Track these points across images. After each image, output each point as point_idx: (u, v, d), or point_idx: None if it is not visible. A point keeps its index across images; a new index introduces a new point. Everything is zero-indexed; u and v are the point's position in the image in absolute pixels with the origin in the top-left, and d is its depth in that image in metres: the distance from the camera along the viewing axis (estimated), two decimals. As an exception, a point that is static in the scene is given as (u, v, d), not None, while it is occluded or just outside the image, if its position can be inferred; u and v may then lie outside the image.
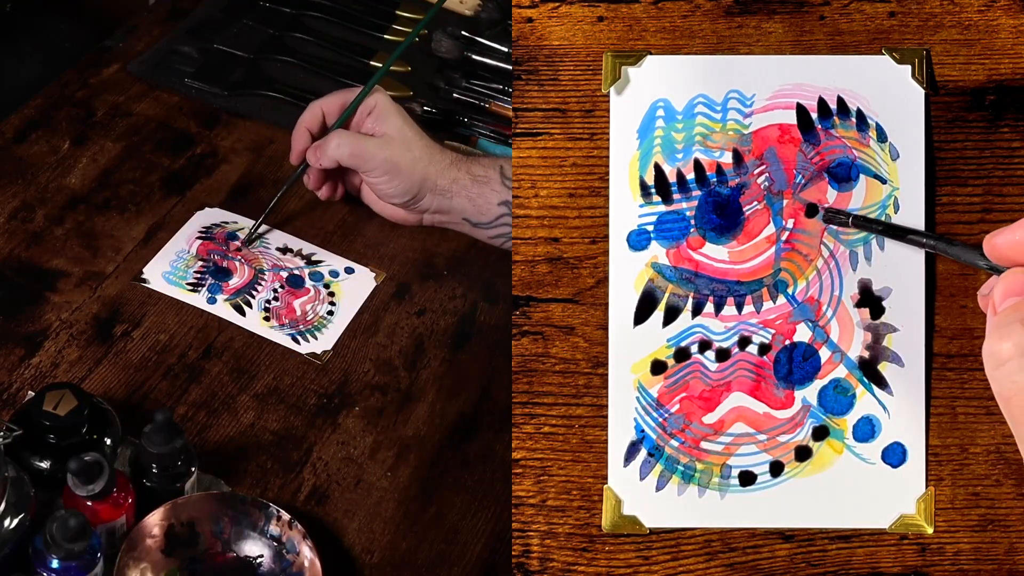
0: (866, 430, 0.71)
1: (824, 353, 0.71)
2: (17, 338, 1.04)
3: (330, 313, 1.12)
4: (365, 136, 1.14)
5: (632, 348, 0.70)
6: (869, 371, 0.71)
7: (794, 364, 0.71)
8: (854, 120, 0.70)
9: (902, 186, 0.70)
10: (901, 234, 0.68)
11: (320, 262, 1.16)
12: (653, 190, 0.70)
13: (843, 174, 0.70)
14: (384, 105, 1.15)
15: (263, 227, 1.17)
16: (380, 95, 1.16)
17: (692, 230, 0.70)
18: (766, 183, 0.70)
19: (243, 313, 1.10)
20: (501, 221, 1.15)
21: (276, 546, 0.91)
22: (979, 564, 0.72)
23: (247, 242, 1.16)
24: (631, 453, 0.71)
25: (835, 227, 0.70)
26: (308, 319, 1.11)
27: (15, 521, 0.84)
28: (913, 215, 0.70)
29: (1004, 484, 0.72)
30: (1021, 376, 0.53)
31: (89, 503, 0.86)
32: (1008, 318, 0.54)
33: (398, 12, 1.46)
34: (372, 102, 1.16)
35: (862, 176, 0.70)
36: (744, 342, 0.71)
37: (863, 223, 0.69)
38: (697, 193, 0.70)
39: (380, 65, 1.38)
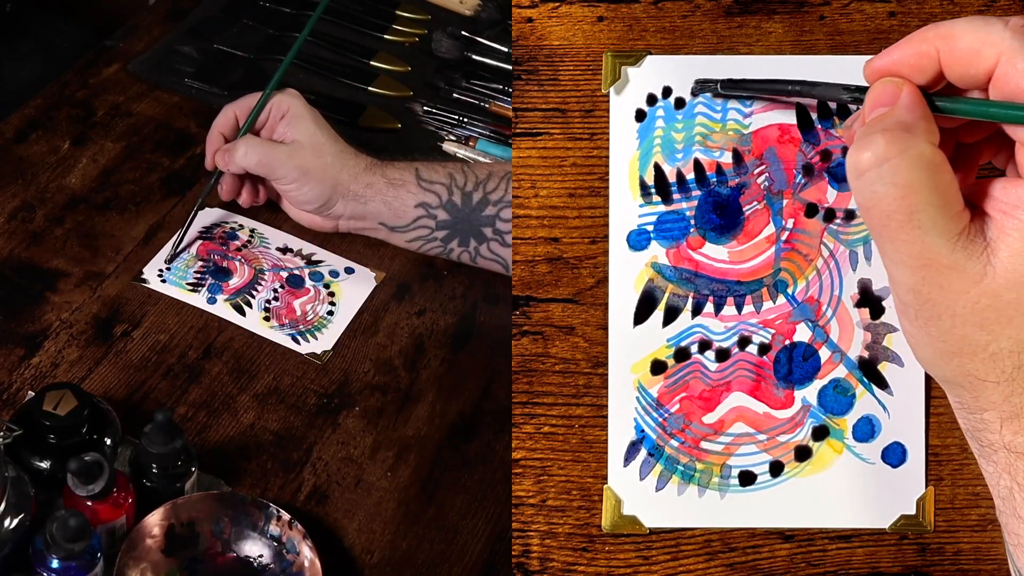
0: (866, 430, 0.71)
1: (824, 353, 0.71)
2: (17, 338, 1.04)
3: (330, 313, 1.12)
4: (274, 143, 1.12)
5: (632, 348, 0.70)
6: (869, 371, 0.71)
7: (794, 364, 0.71)
8: (854, 120, 0.70)
9: (902, 186, 0.70)
10: (772, 88, 0.68)
11: (320, 262, 1.16)
12: (653, 190, 0.70)
13: (843, 174, 0.70)
14: (297, 109, 1.12)
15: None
16: (294, 99, 1.13)
17: (692, 230, 0.70)
18: (766, 183, 0.70)
19: (243, 313, 1.10)
20: (418, 223, 1.12)
21: (276, 546, 0.91)
22: (979, 564, 0.72)
23: (169, 260, 1.13)
24: (631, 453, 0.71)
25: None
26: (308, 319, 1.11)
27: (15, 521, 0.84)
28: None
29: (1004, 484, 0.72)
30: (880, 186, 0.53)
31: (89, 503, 0.86)
32: (871, 128, 0.54)
33: (398, 12, 1.46)
34: (285, 105, 1.13)
35: (862, 176, 0.70)
36: (744, 342, 0.71)
37: (732, 85, 0.68)
38: (697, 193, 0.70)
39: (380, 65, 1.38)
